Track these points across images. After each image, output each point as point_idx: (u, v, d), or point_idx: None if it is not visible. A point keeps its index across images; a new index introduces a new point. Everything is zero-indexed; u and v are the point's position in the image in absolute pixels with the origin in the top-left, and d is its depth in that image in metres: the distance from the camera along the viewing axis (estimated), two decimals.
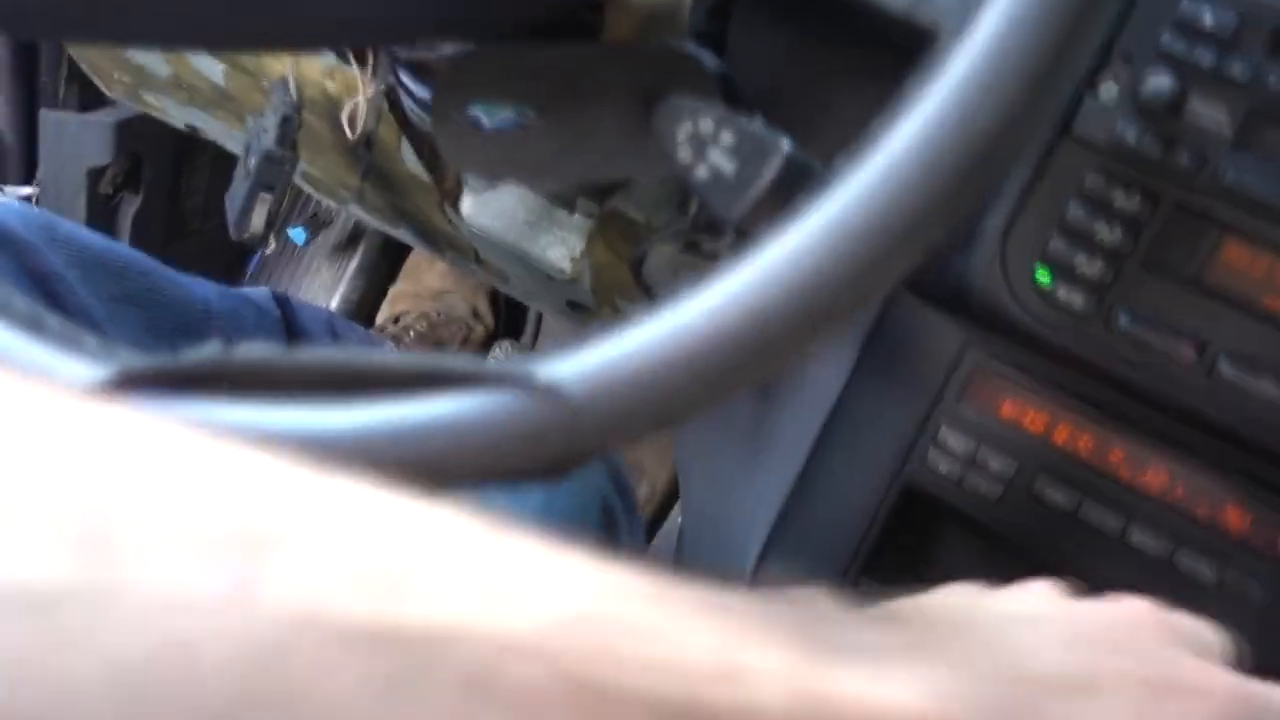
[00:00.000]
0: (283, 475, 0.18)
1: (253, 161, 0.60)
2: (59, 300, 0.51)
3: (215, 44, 0.36)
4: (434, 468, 0.25)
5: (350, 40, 0.37)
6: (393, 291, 1.28)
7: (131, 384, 0.26)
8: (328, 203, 0.86)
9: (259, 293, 0.73)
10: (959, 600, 0.27)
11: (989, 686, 0.23)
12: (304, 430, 0.25)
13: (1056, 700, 0.24)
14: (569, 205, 0.65)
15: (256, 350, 0.26)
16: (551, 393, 0.25)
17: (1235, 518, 0.44)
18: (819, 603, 0.24)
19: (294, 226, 1.17)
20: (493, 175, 0.46)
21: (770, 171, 0.32)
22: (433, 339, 1.17)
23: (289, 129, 0.58)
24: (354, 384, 0.26)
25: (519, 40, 0.38)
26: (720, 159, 0.33)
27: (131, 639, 0.15)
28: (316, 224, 1.20)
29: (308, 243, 1.20)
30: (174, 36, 0.34)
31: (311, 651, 0.16)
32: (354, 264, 1.29)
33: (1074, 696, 0.24)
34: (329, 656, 0.16)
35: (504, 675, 0.17)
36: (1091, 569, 0.47)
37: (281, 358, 0.26)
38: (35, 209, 0.54)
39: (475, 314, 1.24)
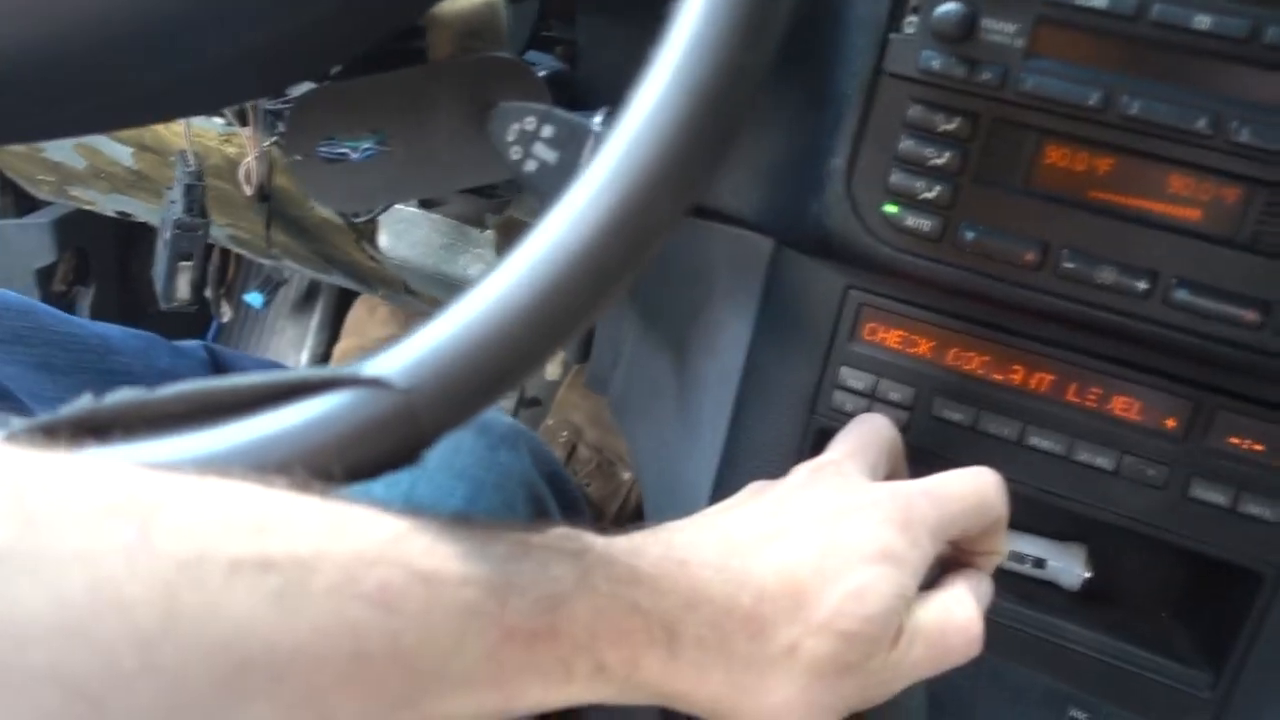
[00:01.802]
0: (143, 465, 0.23)
1: (167, 234, 0.62)
2: None
3: (67, 130, 0.39)
4: (294, 471, 0.28)
5: (201, 106, 0.39)
6: (338, 350, 1.30)
7: (16, 442, 0.29)
8: (262, 260, 0.88)
9: (186, 343, 0.75)
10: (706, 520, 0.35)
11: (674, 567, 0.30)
12: (170, 460, 0.27)
13: (755, 550, 0.32)
14: (478, 222, 0.67)
15: (124, 394, 0.29)
16: (380, 384, 0.27)
17: (1122, 405, 0.46)
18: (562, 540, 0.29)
19: (249, 292, 1.19)
20: (353, 204, 0.49)
21: (587, 153, 0.35)
22: None
23: (194, 197, 0.61)
24: (213, 410, 0.28)
25: (355, 73, 0.41)
26: (544, 151, 0.36)
27: (64, 581, 0.19)
28: (272, 285, 1.23)
29: (266, 305, 1.23)
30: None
31: (211, 579, 0.21)
32: (316, 318, 1.31)
33: (769, 543, 0.33)
34: (226, 580, 0.21)
35: (365, 578, 0.23)
36: (1000, 473, 0.49)
37: (145, 396, 0.29)
38: None
39: None
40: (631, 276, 0.27)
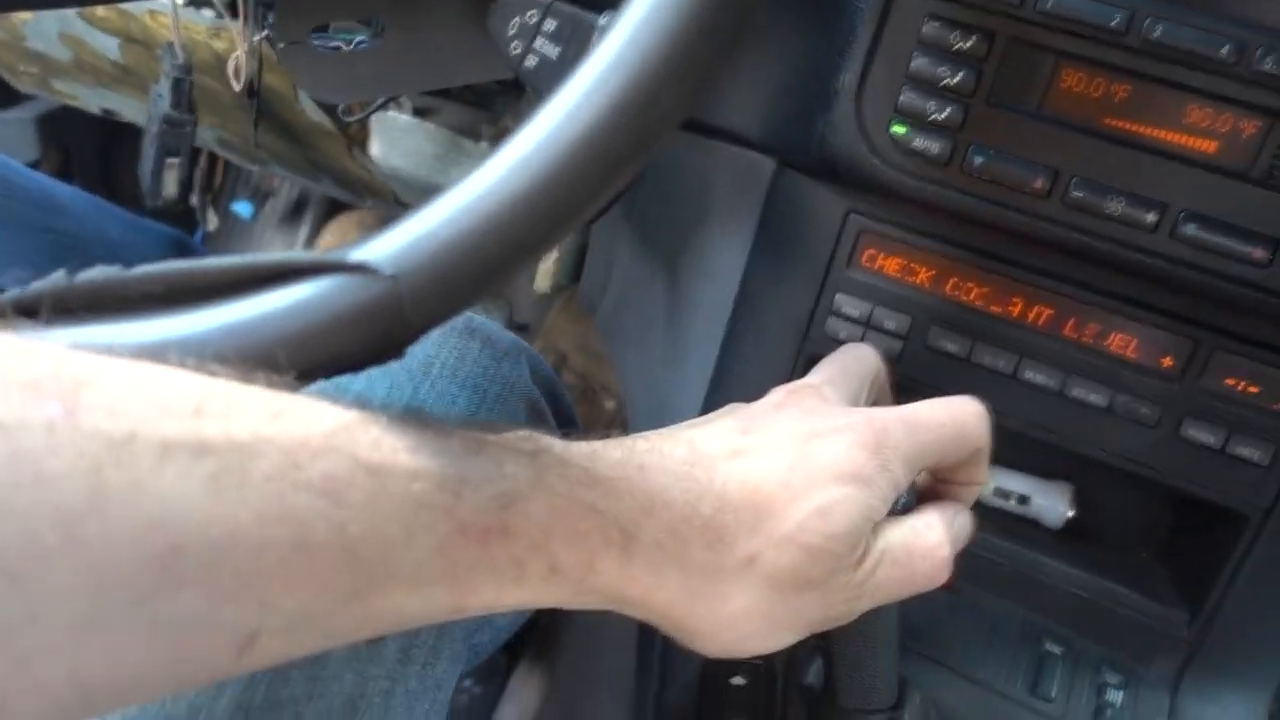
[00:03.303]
0: (76, 345, 0.22)
1: (154, 128, 0.61)
2: None
3: None
4: (274, 359, 0.27)
5: None
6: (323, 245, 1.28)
7: None
8: (249, 166, 0.86)
9: (146, 220, 0.72)
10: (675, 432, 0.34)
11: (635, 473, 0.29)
12: (140, 343, 0.26)
13: (720, 463, 0.31)
14: (473, 134, 0.66)
15: (98, 272, 0.28)
16: (367, 270, 0.26)
17: (1119, 342, 0.46)
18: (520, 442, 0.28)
19: (238, 201, 1.17)
20: (344, 96, 0.47)
21: (591, 49, 0.33)
22: None
23: (182, 90, 0.59)
24: (189, 291, 0.27)
25: None
26: (545, 46, 0.35)
27: None
28: (260, 196, 1.20)
29: (255, 215, 1.21)
30: None
31: (141, 459, 0.20)
32: (304, 232, 1.29)
33: (736, 458, 0.32)
34: (156, 463, 0.20)
35: (309, 467, 0.22)
36: (992, 406, 0.48)
37: (121, 275, 0.28)
38: None
39: None
40: (632, 169, 0.26)
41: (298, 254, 0.27)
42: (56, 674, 0.19)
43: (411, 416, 0.26)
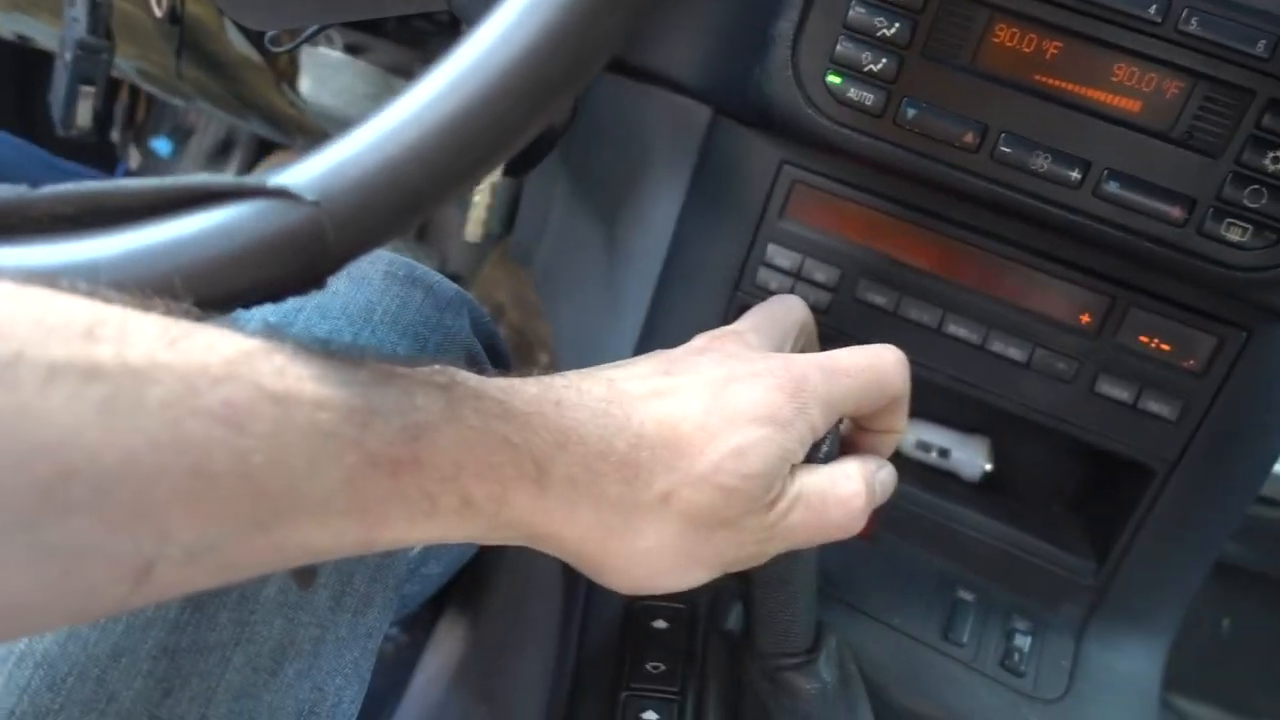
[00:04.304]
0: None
1: (68, 55, 0.58)
2: None
3: None
4: (190, 284, 0.26)
5: None
6: None
7: None
8: (172, 100, 0.84)
9: (84, 170, 0.68)
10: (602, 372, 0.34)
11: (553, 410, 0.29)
12: (29, 267, 0.25)
13: (638, 402, 0.32)
14: (406, 73, 0.64)
15: (5, 190, 0.27)
16: (288, 195, 0.26)
17: (1040, 298, 0.47)
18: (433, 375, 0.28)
19: (156, 138, 1.13)
20: (274, 23, 0.46)
21: None
22: None
23: (99, 15, 0.57)
24: (101, 214, 0.26)
25: None
26: None
27: None
28: (182, 133, 1.16)
29: (175, 153, 1.17)
30: None
31: (26, 381, 0.19)
32: (231, 172, 1.26)
33: (655, 398, 0.32)
34: (42, 386, 0.19)
35: (208, 394, 0.22)
36: (916, 359, 0.49)
37: (28, 195, 0.27)
38: None
39: None
40: (566, 96, 0.26)
41: (216, 177, 0.26)
42: None
43: (318, 345, 0.25)
